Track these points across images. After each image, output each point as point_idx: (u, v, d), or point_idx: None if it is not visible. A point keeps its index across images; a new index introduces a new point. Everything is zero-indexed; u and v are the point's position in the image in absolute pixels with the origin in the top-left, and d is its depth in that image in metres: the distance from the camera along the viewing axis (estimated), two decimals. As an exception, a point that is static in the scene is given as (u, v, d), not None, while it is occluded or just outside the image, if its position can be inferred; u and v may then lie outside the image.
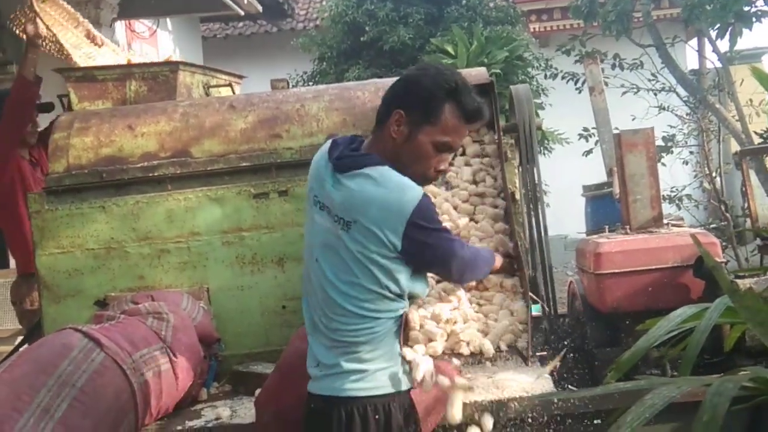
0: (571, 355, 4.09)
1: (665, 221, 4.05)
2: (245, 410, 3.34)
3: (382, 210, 2.30)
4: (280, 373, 3.03)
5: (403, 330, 2.50)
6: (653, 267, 3.63)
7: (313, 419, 2.49)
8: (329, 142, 2.55)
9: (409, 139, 2.38)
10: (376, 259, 2.34)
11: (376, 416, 2.38)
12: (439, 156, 2.44)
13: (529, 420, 3.14)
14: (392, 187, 2.32)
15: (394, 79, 2.64)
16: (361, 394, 2.39)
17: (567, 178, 10.39)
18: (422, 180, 2.46)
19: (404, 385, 2.46)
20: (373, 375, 2.40)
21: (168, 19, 10.16)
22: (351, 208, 2.35)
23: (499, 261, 2.82)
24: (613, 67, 9.19)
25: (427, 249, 2.38)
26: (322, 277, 2.42)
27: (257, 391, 3.10)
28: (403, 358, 2.46)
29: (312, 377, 2.52)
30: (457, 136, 2.45)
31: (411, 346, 2.53)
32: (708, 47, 9.99)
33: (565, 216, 9.28)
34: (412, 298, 2.54)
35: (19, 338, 4.83)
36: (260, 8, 10.26)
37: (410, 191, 2.33)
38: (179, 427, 3.24)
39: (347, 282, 2.37)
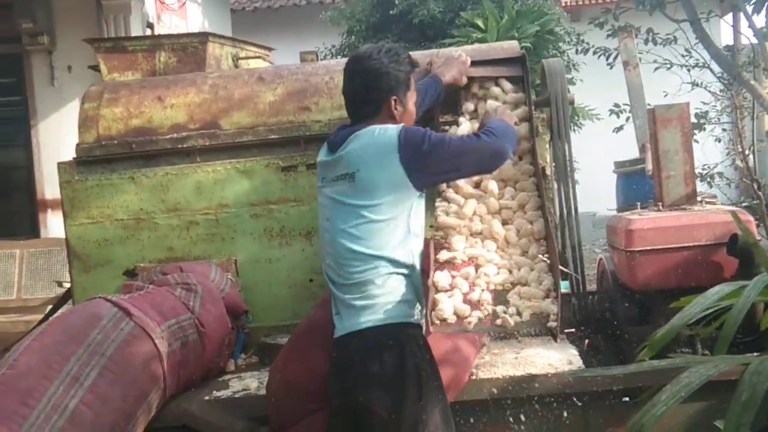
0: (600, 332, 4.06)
1: (698, 198, 3.98)
2: (272, 382, 3.35)
3: (377, 148, 2.67)
4: (290, 342, 3.11)
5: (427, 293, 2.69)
6: (686, 244, 3.57)
7: (336, 361, 2.69)
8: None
9: (405, 110, 2.85)
10: (379, 199, 2.64)
11: (390, 342, 2.58)
12: None
13: (559, 396, 3.12)
14: (378, 130, 2.72)
15: (426, 51, 3.04)
16: (374, 324, 2.60)
17: (596, 154, 10.27)
18: None
19: (413, 318, 2.69)
20: (383, 307, 2.61)
21: (197, -9, 10.16)
22: (351, 162, 2.70)
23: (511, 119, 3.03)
24: (646, 42, 9.01)
25: (429, 155, 2.66)
26: (334, 230, 2.71)
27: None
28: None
29: (335, 326, 2.72)
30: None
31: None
32: (743, 22, 9.78)
33: (593, 193, 9.17)
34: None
35: (49, 307, 4.88)
36: (289, -19, 10.20)
37: (393, 127, 2.72)
38: (207, 397, 3.26)
39: (357, 226, 2.65)
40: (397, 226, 2.66)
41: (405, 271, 2.68)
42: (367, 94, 2.80)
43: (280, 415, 2.99)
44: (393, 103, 2.80)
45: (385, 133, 2.70)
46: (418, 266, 2.74)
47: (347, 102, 2.88)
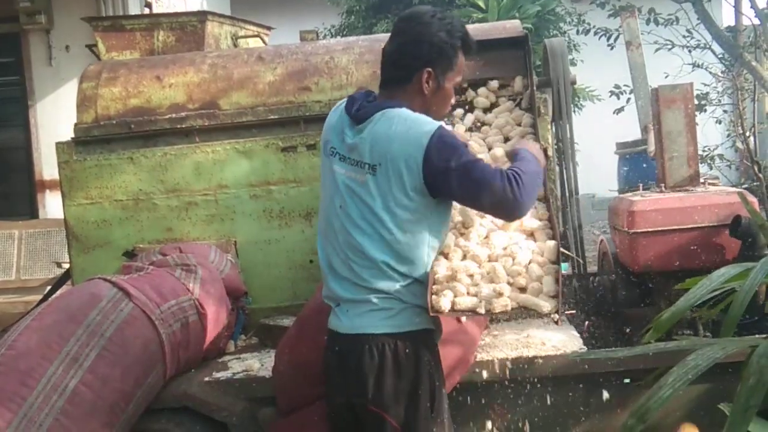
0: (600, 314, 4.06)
1: (701, 180, 3.96)
2: (272, 363, 3.34)
3: (403, 145, 2.38)
4: (298, 324, 3.08)
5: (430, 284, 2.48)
6: (688, 226, 3.56)
7: (341, 357, 2.49)
8: (345, 99, 2.60)
9: (438, 89, 2.53)
10: (401, 202, 2.39)
11: (407, 350, 2.42)
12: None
13: (560, 378, 3.11)
14: (410, 123, 2.41)
15: None
16: (392, 331, 2.42)
17: (595, 136, 10.22)
18: (442, 118, 2.68)
19: (430, 324, 2.49)
20: (400, 313, 2.43)
21: (195, -30, 10.06)
22: (375, 152, 2.42)
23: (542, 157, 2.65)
24: (648, 22, 8.97)
25: (453, 175, 2.36)
26: (349, 223, 2.45)
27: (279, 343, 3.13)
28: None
29: (335, 316, 2.52)
30: (462, 72, 2.64)
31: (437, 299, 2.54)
32: (745, 3, 9.73)
33: (593, 175, 9.16)
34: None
35: (48, 288, 4.86)
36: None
37: (428, 124, 2.42)
38: (207, 379, 3.25)
39: (373, 227, 2.41)
40: (420, 231, 2.43)
41: (424, 276, 2.46)
42: (402, 57, 2.51)
43: (289, 397, 2.96)
44: (426, 75, 2.49)
45: (417, 128, 2.39)
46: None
47: (382, 61, 2.57)
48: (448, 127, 2.99)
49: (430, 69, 2.49)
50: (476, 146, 3.24)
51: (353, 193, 2.45)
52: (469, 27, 3.65)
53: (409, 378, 2.41)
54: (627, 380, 3.17)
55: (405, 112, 2.44)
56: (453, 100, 2.67)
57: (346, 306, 2.48)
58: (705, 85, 9.35)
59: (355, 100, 2.53)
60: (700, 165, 8.36)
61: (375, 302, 2.42)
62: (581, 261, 3.89)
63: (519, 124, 3.23)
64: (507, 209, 2.42)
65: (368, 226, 2.42)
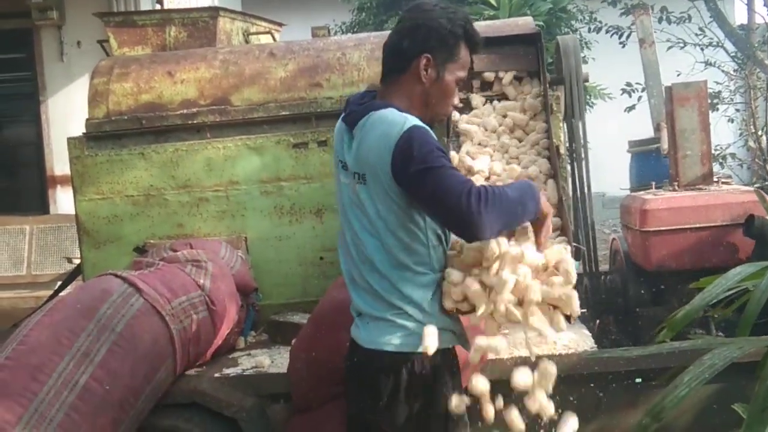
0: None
1: (715, 179, 3.94)
2: (282, 359, 3.35)
3: (379, 150, 2.26)
4: (314, 322, 3.05)
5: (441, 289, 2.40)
6: (701, 225, 3.54)
7: (359, 370, 2.43)
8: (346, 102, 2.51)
9: (437, 80, 2.39)
10: (392, 208, 2.29)
11: (423, 371, 2.33)
12: (456, 91, 2.48)
13: (572, 378, 3.09)
14: (385, 126, 2.28)
15: None
16: (409, 350, 2.32)
17: (606, 134, 10.19)
18: (443, 117, 2.53)
19: (449, 342, 2.40)
20: (419, 332, 2.30)
21: (206, -33, 10.07)
22: (361, 161, 2.32)
23: (545, 203, 2.37)
24: (660, 20, 8.94)
25: (414, 178, 2.20)
26: (356, 237, 2.38)
27: (294, 341, 3.11)
28: (448, 313, 2.40)
29: (356, 326, 2.46)
30: (467, 68, 2.50)
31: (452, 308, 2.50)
32: (758, 0, 9.68)
33: (603, 173, 9.12)
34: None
35: (59, 283, 4.87)
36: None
37: (399, 125, 2.25)
38: (217, 375, 3.25)
39: (376, 240, 2.33)
40: (424, 238, 2.33)
41: (436, 285, 2.35)
42: (399, 44, 2.38)
43: (306, 396, 2.94)
44: (424, 61, 2.35)
45: (388, 130, 2.25)
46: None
47: (382, 56, 2.44)
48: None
49: (429, 55, 2.35)
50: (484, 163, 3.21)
51: (356, 207, 2.37)
52: (482, 24, 3.64)
53: (423, 400, 2.33)
54: (639, 380, 3.15)
55: (386, 114, 2.30)
56: (456, 100, 2.50)
57: (367, 318, 2.40)
58: (717, 83, 9.31)
59: (348, 104, 2.43)
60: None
61: (392, 319, 2.33)
62: (593, 257, 3.87)
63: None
64: (462, 224, 2.21)
65: (371, 238, 2.33)
